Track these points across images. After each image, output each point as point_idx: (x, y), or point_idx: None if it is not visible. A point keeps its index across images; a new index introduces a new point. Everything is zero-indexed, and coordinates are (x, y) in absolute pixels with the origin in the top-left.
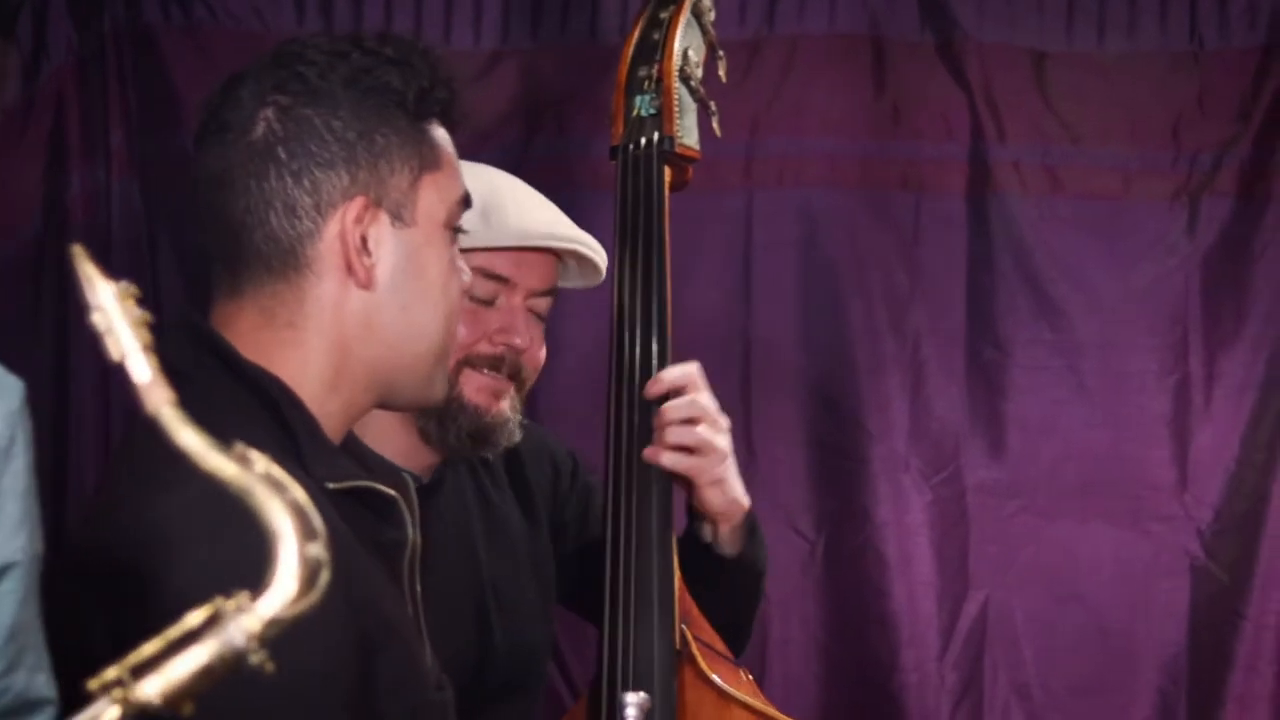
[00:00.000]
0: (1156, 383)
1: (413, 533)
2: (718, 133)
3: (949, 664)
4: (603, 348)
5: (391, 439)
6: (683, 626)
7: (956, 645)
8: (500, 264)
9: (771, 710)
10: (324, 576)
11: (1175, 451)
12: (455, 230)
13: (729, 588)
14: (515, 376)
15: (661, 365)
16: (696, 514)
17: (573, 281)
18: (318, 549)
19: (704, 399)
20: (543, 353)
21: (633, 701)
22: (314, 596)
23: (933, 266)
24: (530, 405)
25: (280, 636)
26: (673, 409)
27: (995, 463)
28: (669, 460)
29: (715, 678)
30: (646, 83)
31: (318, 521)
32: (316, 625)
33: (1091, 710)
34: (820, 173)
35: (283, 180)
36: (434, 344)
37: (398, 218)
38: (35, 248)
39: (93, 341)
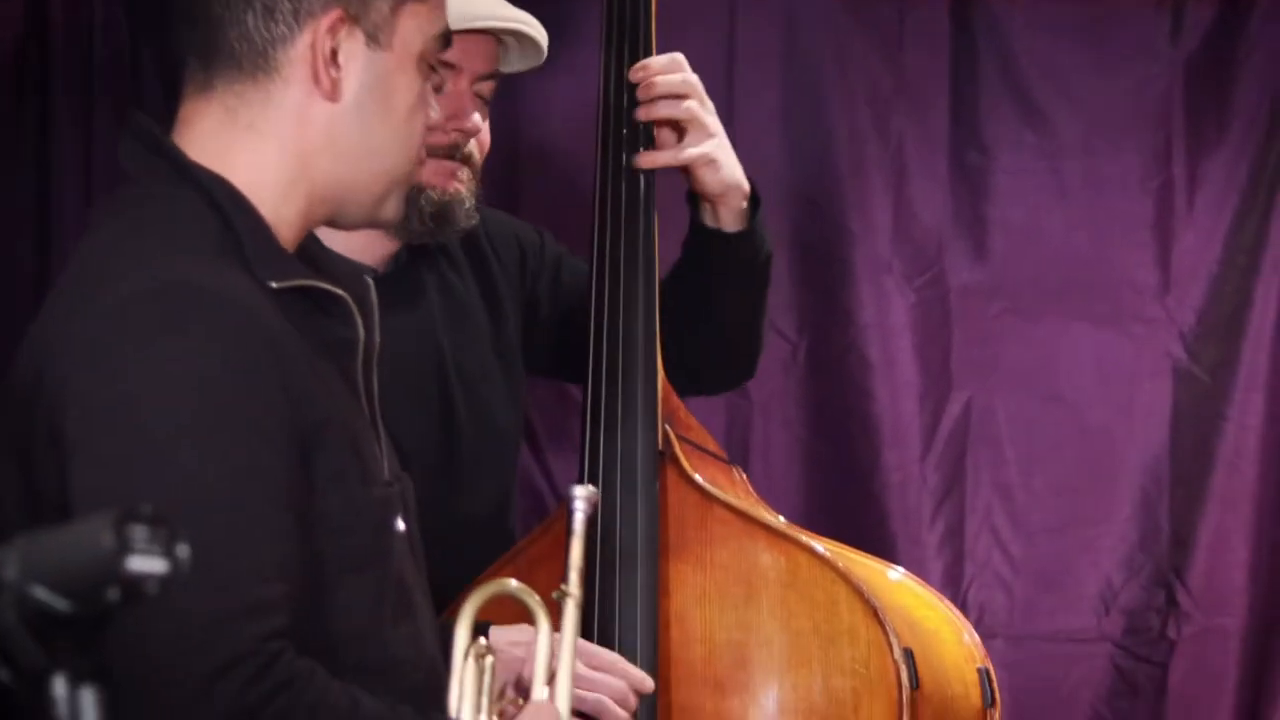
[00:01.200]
0: (1139, 186)
1: (365, 332)
2: None
3: (931, 464)
4: (588, 147)
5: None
6: (666, 426)
7: (939, 446)
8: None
9: (759, 510)
10: None
11: (1158, 254)
12: (431, 67)
13: (736, 271)
14: (467, 161)
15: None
16: (698, 200)
17: (514, 66)
18: None
19: (692, 78)
20: (488, 137)
21: (581, 495)
22: None
23: (916, 70)
24: (517, 209)
25: (213, 430)
26: (664, 82)
27: (978, 265)
28: (660, 111)
29: (698, 477)
30: None
31: None
32: (249, 421)
33: (1073, 510)
34: None
35: None
36: (392, 166)
37: (374, 39)
38: (16, 55)
39: (74, 144)
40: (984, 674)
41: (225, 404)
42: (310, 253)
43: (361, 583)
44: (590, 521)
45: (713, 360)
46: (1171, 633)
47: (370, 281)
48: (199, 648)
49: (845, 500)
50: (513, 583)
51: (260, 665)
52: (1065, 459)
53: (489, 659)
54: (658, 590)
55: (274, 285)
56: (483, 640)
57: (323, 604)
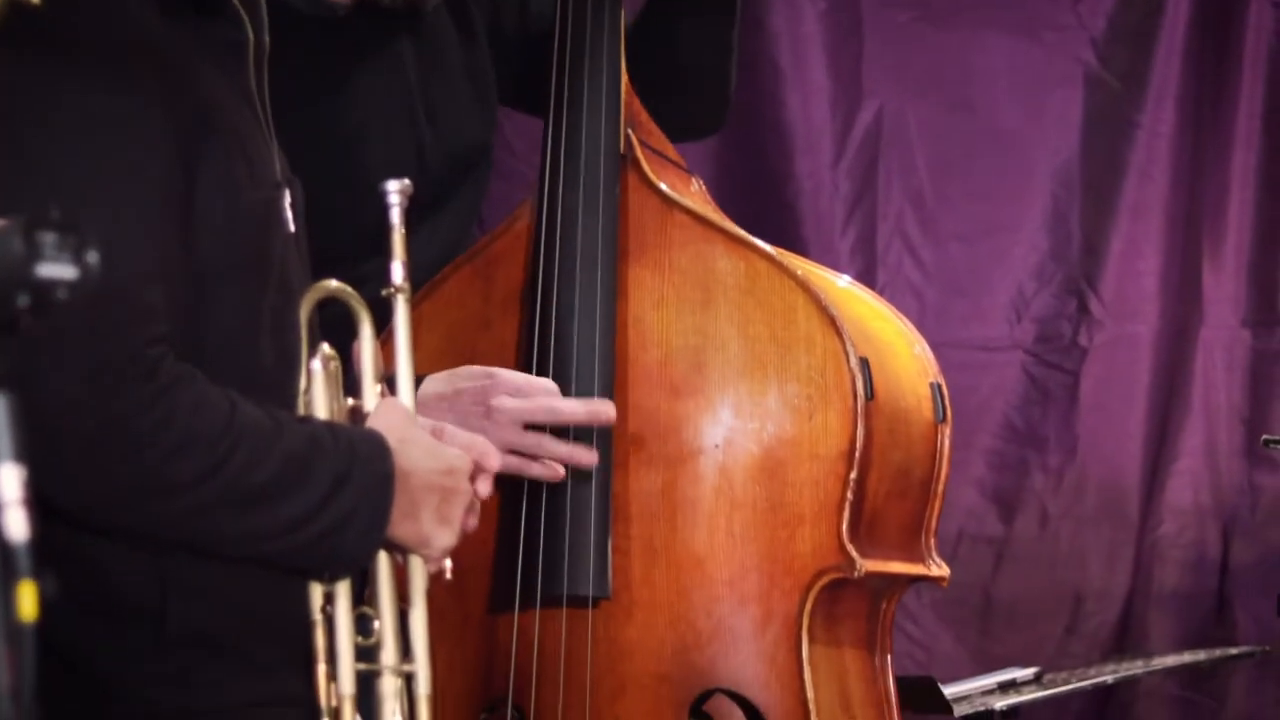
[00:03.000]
0: None
1: (253, 33)
2: None
3: (843, 172)
4: None
5: None
6: (629, 131)
7: (850, 153)
8: None
9: (716, 217)
10: None
11: None
12: None
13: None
14: None
15: None
16: None
17: None
18: None
19: None
20: None
21: (394, 188)
22: None
23: None
24: None
25: (90, 133)
26: None
27: None
28: None
29: (660, 183)
30: None
31: None
32: (126, 122)
33: (984, 217)
34: None
35: None
36: None
37: None
38: None
39: None
40: (936, 388)
41: (102, 106)
42: None
43: (244, 288)
44: (407, 214)
45: (682, 107)
46: (1083, 340)
47: None
48: (78, 354)
49: (757, 208)
50: (333, 283)
51: (140, 370)
52: (976, 166)
53: (335, 364)
54: (616, 293)
55: None
56: (326, 347)
57: (202, 310)
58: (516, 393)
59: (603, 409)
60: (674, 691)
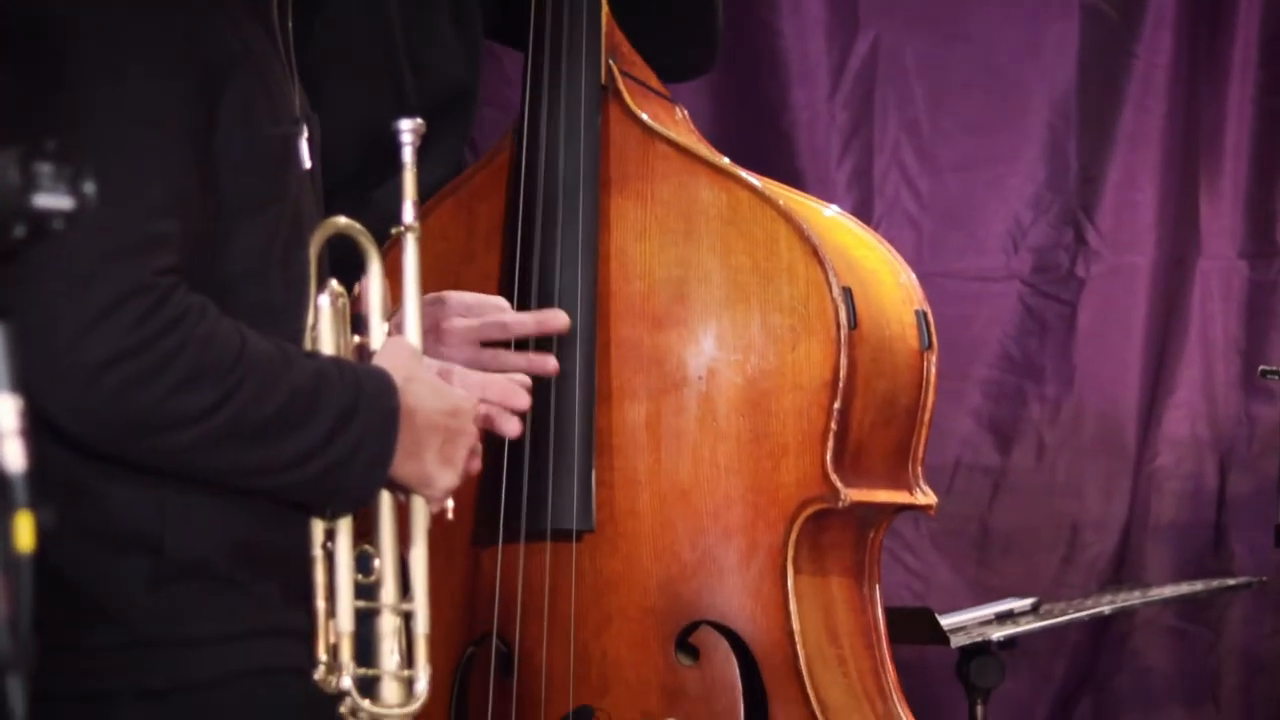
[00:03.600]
0: None
1: None
2: None
3: (839, 103)
4: None
5: None
6: (610, 60)
7: (847, 84)
8: None
9: (701, 146)
10: None
11: None
12: None
13: None
14: None
15: None
16: None
17: None
18: None
19: None
20: None
21: (407, 127)
22: None
23: None
24: None
25: (113, 62)
26: None
27: None
28: None
29: (641, 114)
30: None
31: None
32: (151, 54)
33: (981, 148)
34: None
35: None
36: None
37: None
38: None
39: None
40: (921, 316)
41: (127, 37)
42: None
43: (258, 223)
44: (419, 153)
45: (673, 44)
46: (1080, 271)
47: None
48: (90, 283)
49: (753, 139)
50: (342, 220)
51: (153, 301)
52: (973, 97)
53: (343, 301)
54: (597, 225)
55: None
56: (334, 283)
57: (218, 242)
58: (466, 312)
59: (551, 318)
60: (659, 624)
